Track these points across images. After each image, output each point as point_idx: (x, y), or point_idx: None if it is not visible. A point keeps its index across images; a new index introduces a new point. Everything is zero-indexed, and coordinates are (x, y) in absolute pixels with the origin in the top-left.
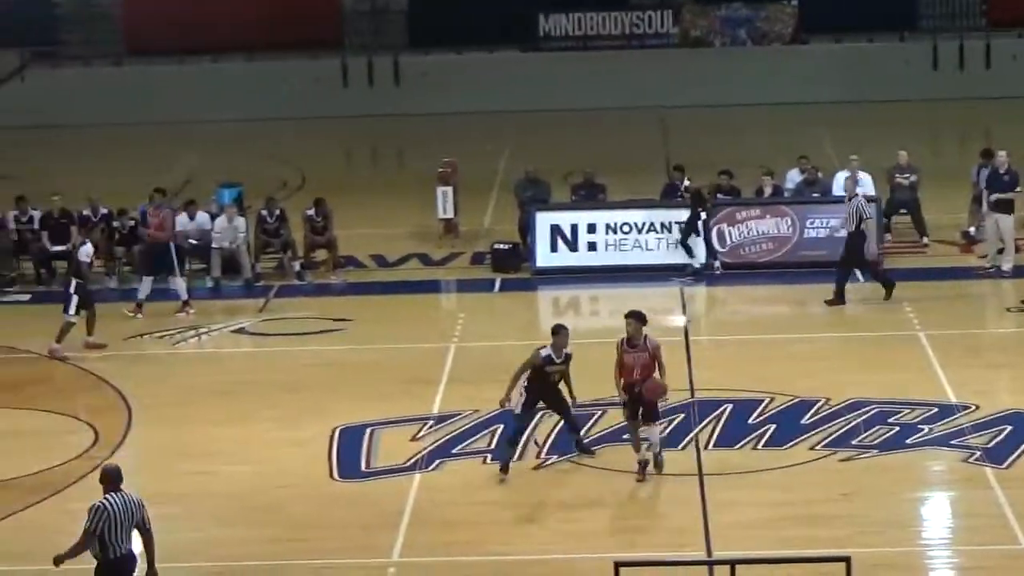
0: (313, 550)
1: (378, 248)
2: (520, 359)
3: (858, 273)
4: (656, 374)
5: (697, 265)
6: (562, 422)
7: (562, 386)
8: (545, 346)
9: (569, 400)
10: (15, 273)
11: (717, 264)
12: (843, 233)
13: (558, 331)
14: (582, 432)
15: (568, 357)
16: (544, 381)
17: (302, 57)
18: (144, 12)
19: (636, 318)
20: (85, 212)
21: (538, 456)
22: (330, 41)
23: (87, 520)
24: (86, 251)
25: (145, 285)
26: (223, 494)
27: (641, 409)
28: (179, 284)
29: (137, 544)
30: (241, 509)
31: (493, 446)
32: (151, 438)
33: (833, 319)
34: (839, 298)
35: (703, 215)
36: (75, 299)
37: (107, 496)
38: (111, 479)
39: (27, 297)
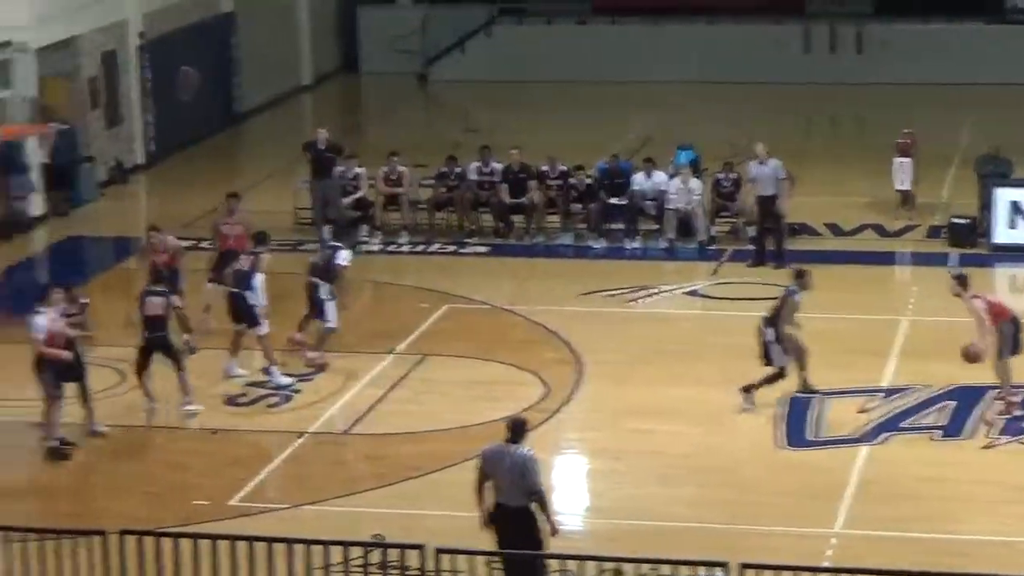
0: (756, 515)
1: (833, 216)
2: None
3: None
4: None
5: None
6: None
7: None
8: None
9: None
10: (474, 225)
11: None
12: None
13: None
14: None
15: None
16: None
17: (764, 22)
18: None
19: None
20: (543, 167)
21: (987, 435)
22: (793, 7)
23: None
24: (345, 256)
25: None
26: (667, 454)
27: None
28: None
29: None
30: (685, 470)
31: (945, 423)
32: (599, 394)
33: None
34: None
35: None
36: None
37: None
38: (510, 429)
39: (485, 249)
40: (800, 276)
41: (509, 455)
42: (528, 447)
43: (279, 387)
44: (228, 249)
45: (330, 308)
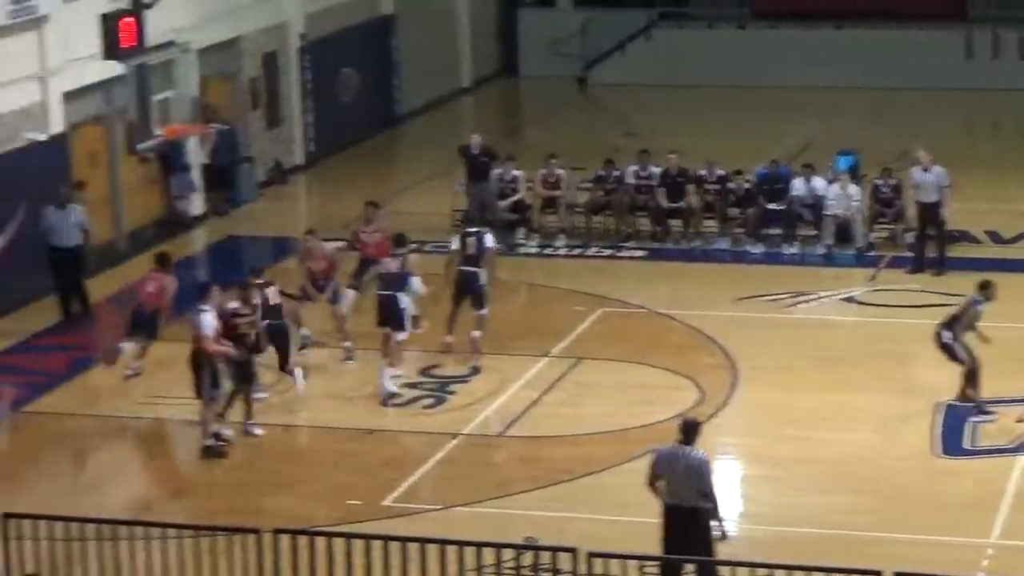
0: (911, 524)
1: (993, 224)
2: None
3: None
4: None
5: None
6: None
7: None
8: None
9: None
10: (632, 229)
11: None
12: None
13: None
14: None
15: None
16: None
17: (925, 27)
18: None
19: None
20: (701, 172)
21: None
22: (955, 12)
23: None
24: (491, 238)
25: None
26: (824, 461)
27: None
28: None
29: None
30: (842, 477)
31: None
32: (755, 400)
33: None
34: None
35: None
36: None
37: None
38: (683, 430)
39: (642, 253)
40: (985, 287)
41: (684, 457)
42: (702, 449)
43: (387, 394)
44: (367, 256)
45: (487, 294)
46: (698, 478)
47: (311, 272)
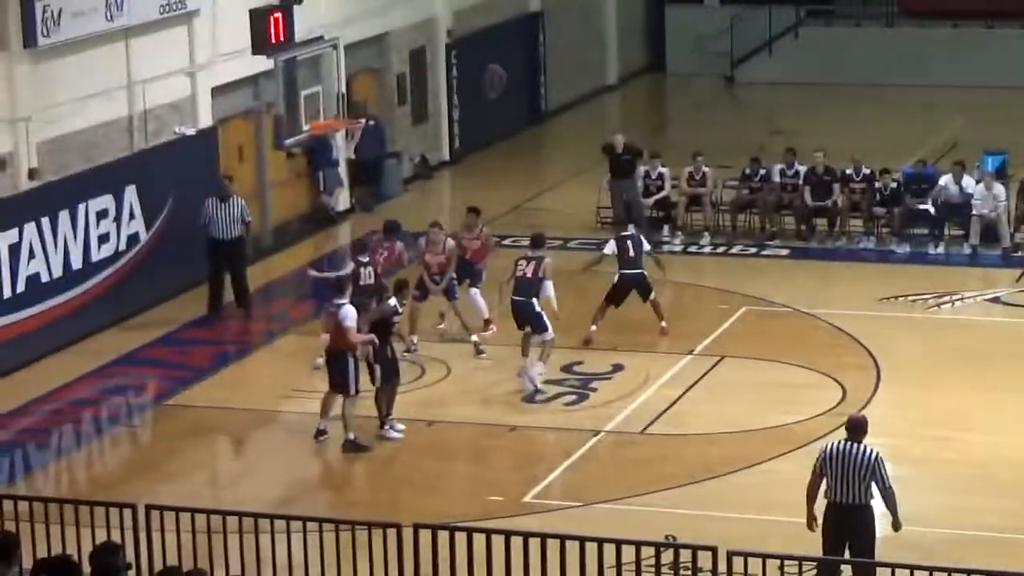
0: None
1: None
2: None
3: None
4: None
5: None
6: None
7: None
8: None
9: None
10: (776, 228)
11: None
12: None
13: None
14: None
15: None
16: None
17: None
18: None
19: None
20: (847, 171)
21: None
22: None
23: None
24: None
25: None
26: (963, 462)
27: None
28: (479, 300)
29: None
30: (985, 479)
31: None
32: (898, 399)
33: None
34: None
35: None
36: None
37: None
38: (851, 429)
39: (786, 252)
40: None
41: (854, 455)
42: (872, 446)
43: (531, 391)
44: (464, 260)
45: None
46: (872, 475)
47: (428, 265)
